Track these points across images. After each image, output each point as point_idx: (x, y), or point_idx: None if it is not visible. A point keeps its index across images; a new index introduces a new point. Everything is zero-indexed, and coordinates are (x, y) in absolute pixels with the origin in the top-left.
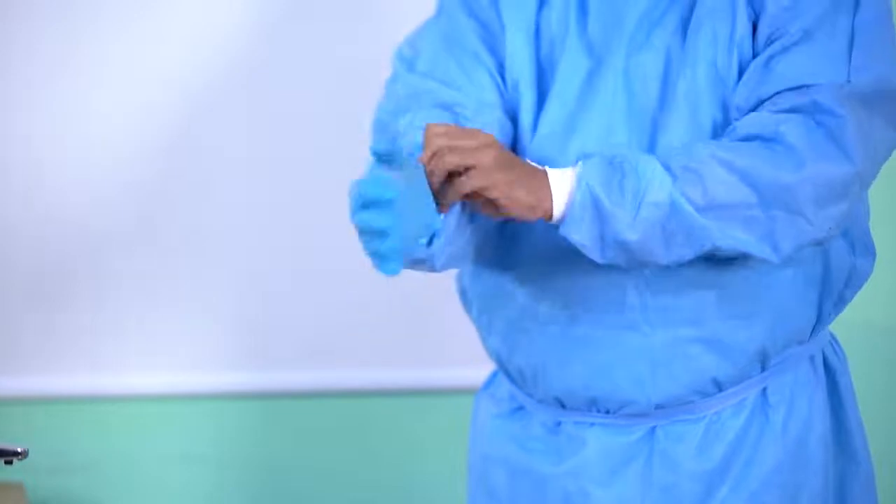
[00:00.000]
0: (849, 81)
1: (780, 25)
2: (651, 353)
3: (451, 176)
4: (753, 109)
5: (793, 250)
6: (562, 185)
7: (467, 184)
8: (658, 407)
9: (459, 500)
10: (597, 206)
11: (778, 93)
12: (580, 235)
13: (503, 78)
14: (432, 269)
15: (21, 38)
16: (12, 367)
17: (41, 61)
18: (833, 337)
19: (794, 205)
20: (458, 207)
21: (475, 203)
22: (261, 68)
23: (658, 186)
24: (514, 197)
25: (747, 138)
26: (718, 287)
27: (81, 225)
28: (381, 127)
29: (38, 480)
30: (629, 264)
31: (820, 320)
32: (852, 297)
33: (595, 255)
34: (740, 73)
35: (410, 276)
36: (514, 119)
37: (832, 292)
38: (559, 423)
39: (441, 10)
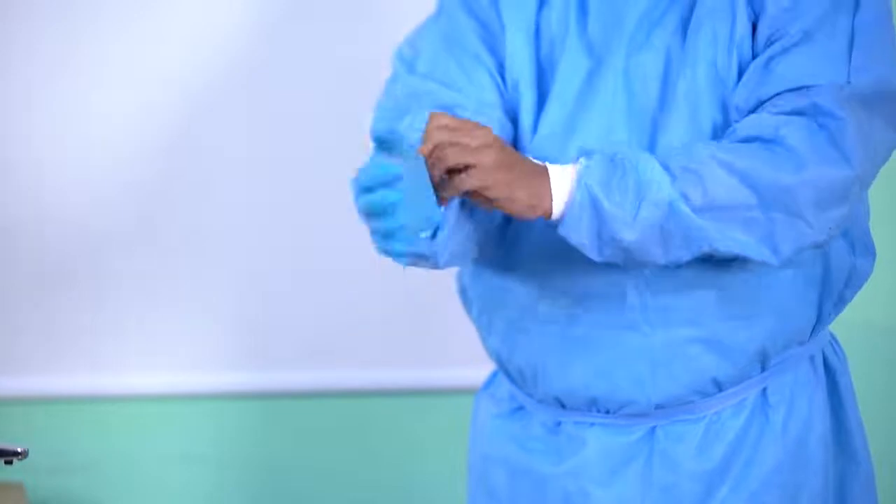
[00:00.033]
0: (849, 82)
1: (780, 26)
2: (651, 353)
3: (451, 171)
4: (753, 110)
5: (792, 253)
6: (562, 183)
7: (467, 182)
8: (658, 407)
9: (459, 500)
10: (595, 206)
11: (778, 94)
12: (578, 235)
13: (503, 78)
14: (435, 265)
15: (21, 38)
16: (12, 367)
17: (41, 61)
18: (833, 337)
19: (794, 207)
20: (456, 202)
21: (474, 199)
22: (261, 68)
23: (657, 187)
24: (513, 197)
25: (748, 139)
26: (718, 287)
27: (81, 225)
28: (382, 125)
29: (38, 480)
30: (627, 263)
31: (820, 320)
32: (852, 298)
33: (592, 254)
34: (740, 74)
35: (411, 276)
36: (514, 119)
37: (832, 292)
38: (559, 423)
39: (441, 10)
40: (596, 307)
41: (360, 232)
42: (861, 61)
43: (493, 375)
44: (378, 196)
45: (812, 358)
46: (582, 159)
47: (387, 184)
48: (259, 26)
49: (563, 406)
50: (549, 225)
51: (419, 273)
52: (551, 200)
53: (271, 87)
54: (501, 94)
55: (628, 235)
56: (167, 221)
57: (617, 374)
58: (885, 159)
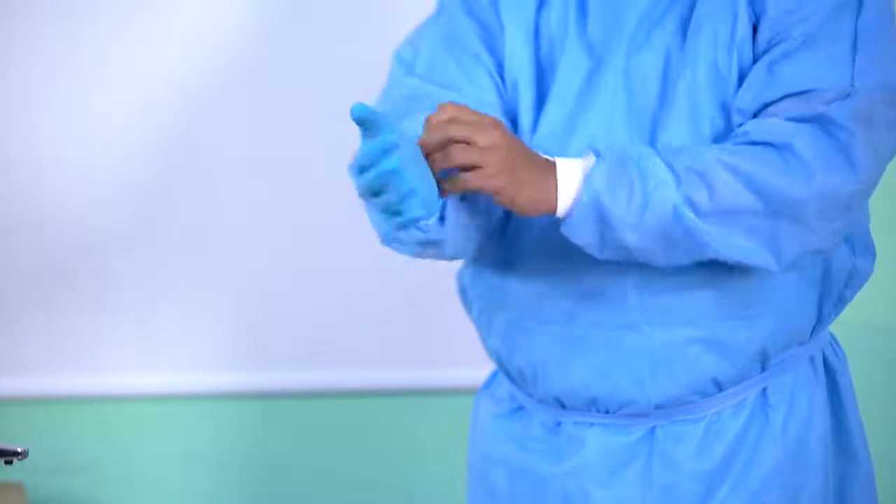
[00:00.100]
0: (852, 85)
1: (783, 29)
2: (651, 353)
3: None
4: (758, 113)
5: (794, 259)
6: (569, 182)
7: (471, 182)
8: (658, 407)
9: (459, 500)
10: (600, 209)
11: (783, 97)
12: (581, 235)
13: (502, 78)
14: (442, 253)
15: (21, 38)
16: (12, 367)
17: (41, 61)
18: (833, 337)
19: (799, 216)
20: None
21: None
22: (261, 68)
23: (663, 193)
24: (518, 198)
25: (757, 143)
26: (718, 287)
27: (81, 225)
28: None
29: (38, 480)
30: (628, 262)
31: (820, 321)
32: (852, 298)
33: (593, 252)
34: (740, 74)
35: (411, 276)
36: (513, 119)
37: (832, 293)
38: (559, 423)
39: (441, 10)
40: (596, 307)
41: (360, 232)
42: (865, 64)
43: (493, 375)
44: (376, 169)
45: (812, 358)
46: (591, 156)
47: (383, 153)
48: (259, 26)
49: (563, 406)
50: (553, 221)
51: (419, 273)
52: (557, 199)
53: (271, 87)
54: (501, 95)
55: (631, 239)
56: (167, 221)
57: (617, 374)
58: (889, 161)
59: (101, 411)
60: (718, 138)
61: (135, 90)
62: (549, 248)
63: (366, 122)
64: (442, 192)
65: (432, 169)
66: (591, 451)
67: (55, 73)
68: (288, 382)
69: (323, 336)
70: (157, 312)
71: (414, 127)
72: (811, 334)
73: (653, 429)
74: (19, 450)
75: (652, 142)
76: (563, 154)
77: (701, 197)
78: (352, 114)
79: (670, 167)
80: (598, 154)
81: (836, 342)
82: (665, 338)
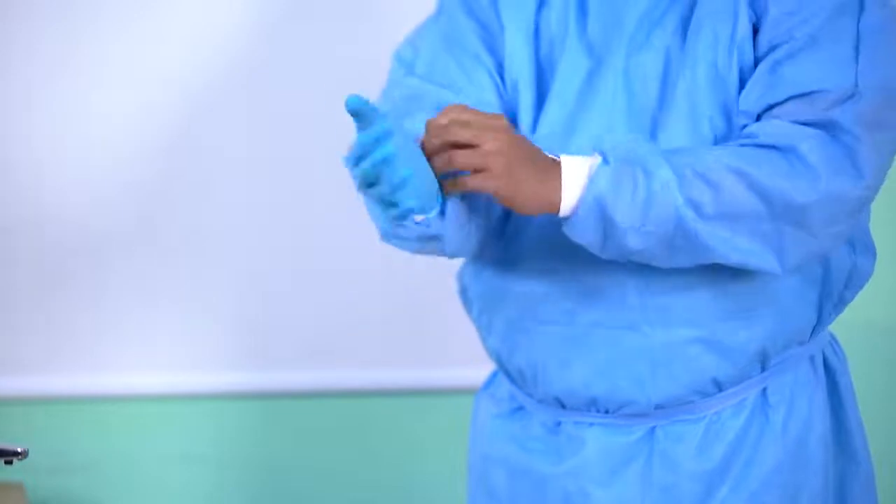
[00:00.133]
0: (856, 86)
1: (785, 30)
2: (651, 353)
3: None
4: (762, 115)
5: (798, 263)
6: (573, 183)
7: (474, 184)
8: (658, 407)
9: (459, 500)
10: (603, 211)
11: (787, 99)
12: (583, 236)
13: (502, 78)
14: (442, 248)
15: (21, 38)
16: (12, 367)
17: (41, 61)
18: (833, 337)
19: (804, 220)
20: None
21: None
22: (261, 68)
23: (667, 196)
24: (521, 200)
25: (762, 146)
26: (718, 288)
27: (81, 225)
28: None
29: (38, 480)
30: (629, 262)
31: (820, 321)
32: (853, 298)
33: (595, 251)
34: (740, 75)
35: (411, 277)
36: (513, 119)
37: (832, 293)
38: (559, 423)
39: (441, 10)
40: (596, 307)
41: (360, 232)
42: (867, 66)
43: (493, 375)
44: (370, 158)
45: (812, 358)
46: (596, 155)
47: (377, 141)
48: (259, 26)
49: (562, 406)
50: (553, 221)
51: (419, 273)
52: (560, 199)
53: (271, 87)
54: (500, 95)
55: (634, 241)
56: (167, 221)
57: (617, 374)
58: (891, 164)
59: (101, 411)
60: (718, 139)
61: (135, 90)
62: (549, 248)
63: (360, 113)
64: (444, 192)
65: (434, 170)
66: (591, 451)
67: (55, 73)
68: (288, 382)
69: (323, 336)
70: (157, 312)
71: (415, 127)
72: (811, 334)
73: (653, 429)
74: (19, 450)
75: (652, 141)
76: (563, 153)
77: (705, 200)
78: (346, 105)
79: (675, 169)
80: (603, 154)
81: (836, 342)
82: (665, 338)
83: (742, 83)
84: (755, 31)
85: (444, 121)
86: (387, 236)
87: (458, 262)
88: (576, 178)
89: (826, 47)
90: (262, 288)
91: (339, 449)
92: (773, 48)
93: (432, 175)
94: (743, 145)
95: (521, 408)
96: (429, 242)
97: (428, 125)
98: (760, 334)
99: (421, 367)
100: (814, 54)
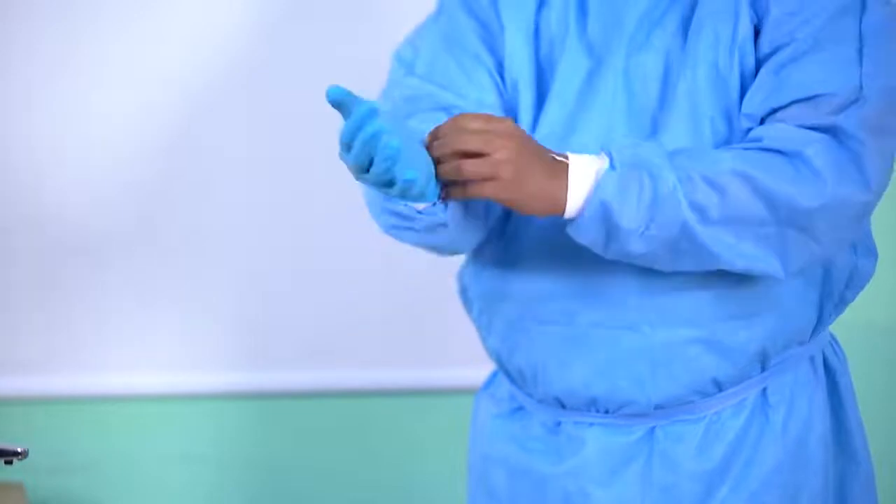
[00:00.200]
0: (860, 89)
1: (787, 31)
2: (651, 353)
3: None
4: (765, 118)
5: (800, 268)
6: (580, 184)
7: (485, 192)
8: (658, 407)
9: (459, 500)
10: (609, 216)
11: (791, 102)
12: (587, 238)
13: (502, 78)
14: (442, 243)
15: (21, 38)
16: (12, 367)
17: (41, 61)
18: (833, 337)
19: (809, 225)
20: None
21: None
22: (261, 68)
23: (673, 199)
24: (528, 205)
25: (767, 150)
26: (718, 287)
27: (81, 225)
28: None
29: (38, 480)
30: (630, 262)
31: (821, 321)
32: (854, 298)
33: (598, 251)
34: (741, 76)
35: (411, 276)
36: (513, 119)
37: (833, 293)
38: (559, 423)
39: (441, 10)
40: (596, 307)
41: (360, 232)
42: (871, 68)
43: (493, 375)
44: (359, 137)
45: (812, 358)
46: (603, 156)
47: (363, 120)
48: (259, 26)
49: (562, 406)
50: (555, 222)
51: (419, 273)
52: (565, 202)
53: (271, 87)
54: (501, 94)
55: (637, 247)
56: (167, 221)
57: (617, 374)
58: (895, 167)
59: (101, 411)
60: (719, 140)
61: (135, 90)
62: (550, 248)
63: (343, 103)
64: (445, 195)
65: (440, 174)
66: (591, 451)
67: (55, 73)
68: (288, 382)
69: (323, 336)
70: (157, 312)
71: (417, 127)
72: (811, 334)
73: (653, 429)
74: (19, 450)
75: None
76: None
77: (710, 204)
78: (328, 97)
79: (680, 172)
80: (609, 156)
81: (836, 342)
82: (665, 338)
83: (743, 84)
84: (756, 31)
85: (452, 128)
86: (387, 229)
87: (458, 262)
88: (582, 180)
89: (829, 49)
90: (262, 288)
91: (339, 449)
92: (775, 50)
93: (430, 161)
94: (748, 149)
95: (521, 408)
96: (430, 233)
97: (435, 132)
98: (761, 334)
99: (421, 367)
100: (817, 56)
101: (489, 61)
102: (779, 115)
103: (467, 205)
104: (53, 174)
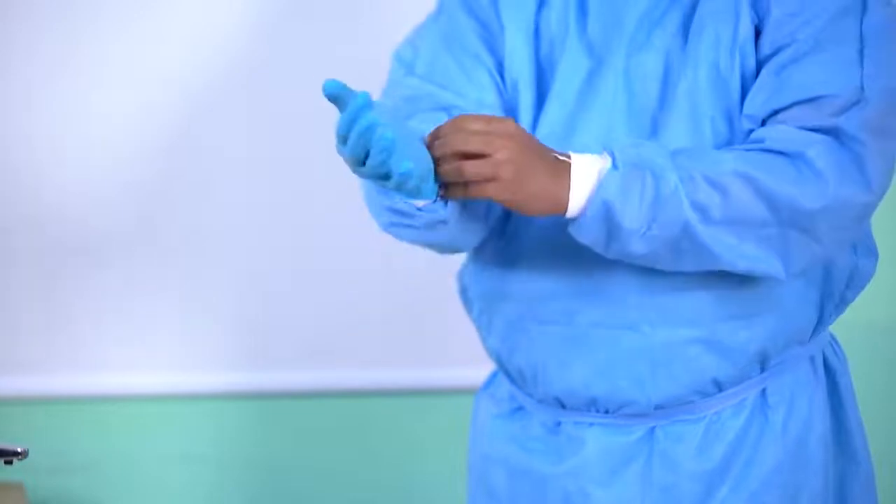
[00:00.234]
0: (862, 90)
1: (788, 32)
2: (651, 353)
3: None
4: (767, 119)
5: (801, 268)
6: (582, 184)
7: (486, 193)
8: (658, 407)
9: (459, 500)
10: (611, 216)
11: (793, 104)
12: (588, 238)
13: (502, 77)
14: (442, 241)
15: (21, 38)
16: (12, 367)
17: (41, 61)
18: (833, 337)
19: (810, 226)
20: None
21: None
22: (261, 68)
23: (675, 200)
24: (530, 206)
25: (771, 151)
26: (718, 288)
27: (81, 225)
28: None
29: (38, 480)
30: (631, 262)
31: (821, 321)
32: (854, 298)
33: (599, 251)
34: (742, 76)
35: (411, 276)
36: (514, 119)
37: (834, 293)
38: (559, 423)
39: (441, 10)
40: (596, 307)
41: (360, 232)
42: (873, 69)
43: (493, 375)
44: (356, 129)
45: (812, 358)
46: (606, 156)
47: (358, 112)
48: (259, 26)
49: (562, 406)
50: (555, 221)
51: (419, 273)
52: (567, 202)
53: (271, 87)
54: (500, 94)
55: (639, 247)
56: (167, 221)
57: (617, 374)
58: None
59: (101, 411)
60: (719, 140)
61: (135, 90)
62: (550, 248)
63: (339, 97)
64: (445, 194)
65: (440, 174)
66: (591, 451)
67: (55, 73)
68: (288, 382)
69: (323, 336)
70: (157, 312)
71: (418, 127)
72: (812, 334)
73: (653, 429)
74: (19, 450)
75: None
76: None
77: (712, 205)
78: (324, 91)
79: (683, 172)
80: (612, 155)
81: (836, 342)
82: (665, 338)
83: (744, 85)
84: (757, 32)
85: (452, 128)
86: (387, 226)
87: (458, 262)
88: (585, 179)
89: (830, 50)
90: (262, 288)
91: (339, 449)
92: (776, 50)
93: (429, 158)
94: (750, 150)
95: (521, 408)
96: (435, 229)
97: (435, 132)
98: (761, 335)
99: (421, 367)
100: (818, 57)
101: (489, 61)
102: (780, 116)
103: (467, 203)
104: (53, 174)
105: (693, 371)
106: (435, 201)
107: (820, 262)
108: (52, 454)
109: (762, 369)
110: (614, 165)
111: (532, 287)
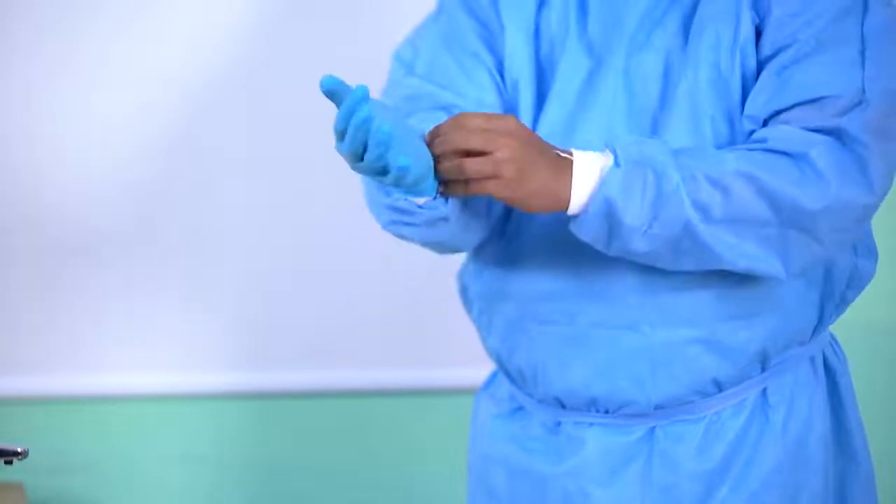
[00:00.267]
0: (863, 92)
1: (789, 33)
2: (651, 353)
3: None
4: (768, 120)
5: (801, 268)
6: (584, 182)
7: (487, 190)
8: (658, 407)
9: (459, 500)
10: (612, 214)
11: (795, 105)
12: (588, 235)
13: (502, 77)
14: (442, 239)
15: (21, 38)
16: (12, 367)
17: (41, 61)
18: (833, 337)
19: (811, 226)
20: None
21: None
22: (261, 68)
23: (676, 198)
24: (531, 203)
25: (773, 151)
26: (719, 287)
27: (81, 225)
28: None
29: (38, 480)
30: (631, 260)
31: (821, 321)
32: (854, 298)
33: (599, 249)
34: (743, 77)
35: (411, 276)
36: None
37: (834, 293)
38: (559, 423)
39: (441, 10)
40: (596, 307)
41: (360, 232)
42: (874, 69)
43: (493, 375)
44: (353, 122)
45: (812, 359)
46: (608, 153)
47: (355, 105)
48: (259, 26)
49: (562, 406)
50: (555, 221)
51: (419, 273)
52: (569, 199)
53: (271, 87)
54: (500, 94)
55: (640, 245)
56: (167, 221)
57: (617, 374)
58: None
59: (101, 411)
60: (720, 140)
61: (135, 90)
62: (550, 248)
63: (336, 93)
64: (445, 191)
65: (440, 172)
66: (591, 451)
67: (55, 73)
68: (288, 382)
69: (323, 336)
70: (157, 312)
71: (418, 127)
72: (812, 335)
73: (653, 429)
74: (19, 450)
75: None
76: None
77: (713, 203)
78: (321, 86)
79: (684, 170)
80: (614, 153)
81: (837, 342)
82: (665, 338)
83: (745, 85)
84: (758, 32)
85: (452, 126)
86: (388, 224)
87: (458, 262)
88: (587, 176)
89: (831, 50)
90: (262, 288)
91: (339, 449)
92: (777, 51)
93: (429, 155)
94: (752, 150)
95: (521, 408)
96: (436, 226)
97: (436, 130)
98: (761, 335)
99: (421, 367)
100: (819, 58)
101: (489, 60)
102: (782, 116)
103: (468, 200)
104: (53, 174)
105: (693, 371)
106: (435, 198)
107: (820, 262)
108: (52, 454)
109: (762, 369)
110: (616, 163)
111: (532, 287)
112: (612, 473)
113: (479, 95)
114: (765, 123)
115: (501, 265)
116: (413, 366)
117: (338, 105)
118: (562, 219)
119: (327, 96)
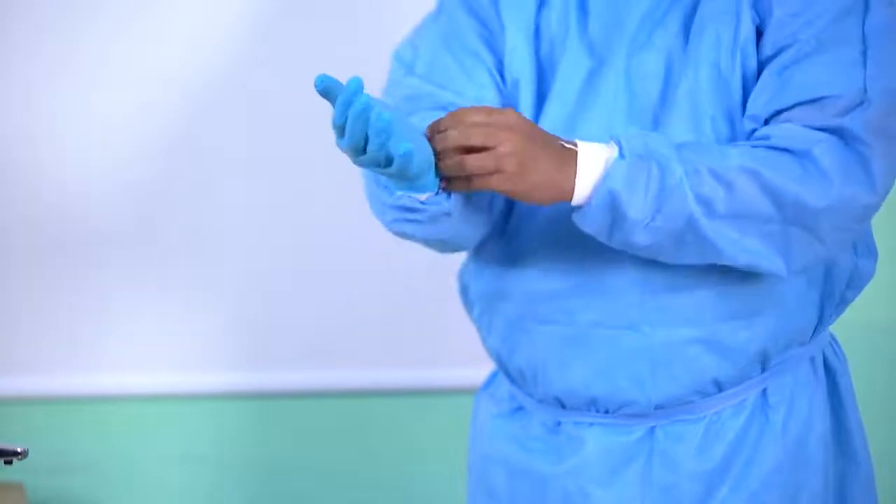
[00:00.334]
0: (865, 91)
1: (790, 33)
2: (651, 353)
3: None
4: (769, 119)
5: (802, 266)
6: (590, 172)
7: (489, 185)
8: (658, 407)
9: (459, 500)
10: (616, 206)
11: (796, 104)
12: (591, 227)
13: (503, 77)
14: (445, 237)
15: (21, 38)
16: (12, 367)
17: (41, 61)
18: (833, 338)
19: (813, 224)
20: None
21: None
22: (261, 68)
23: (680, 192)
24: (534, 195)
25: (776, 148)
26: (719, 287)
27: (81, 225)
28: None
29: (38, 480)
30: (633, 256)
31: (821, 321)
32: (854, 298)
33: (601, 240)
34: (744, 77)
35: (411, 276)
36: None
37: (834, 293)
38: (559, 423)
39: (441, 9)
40: (596, 307)
41: (360, 232)
42: (875, 69)
43: (493, 375)
44: (351, 113)
45: (812, 359)
46: (612, 145)
47: (352, 96)
48: (259, 26)
49: (562, 406)
50: (556, 219)
51: (419, 273)
52: (573, 190)
53: (271, 87)
54: (500, 93)
55: (641, 239)
56: (167, 221)
57: (617, 373)
58: None
59: (101, 411)
60: (721, 140)
61: (135, 90)
62: (550, 248)
63: (331, 90)
64: (447, 187)
65: (442, 169)
66: (591, 451)
67: (55, 73)
68: (288, 382)
69: (323, 336)
70: (157, 312)
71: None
72: (812, 335)
73: (653, 429)
74: (19, 450)
75: None
76: None
77: (717, 198)
78: (316, 85)
79: (688, 165)
80: (619, 145)
81: (837, 343)
82: (665, 338)
83: (745, 85)
84: (759, 32)
85: (453, 122)
86: (391, 223)
87: (459, 262)
88: (592, 167)
89: (833, 50)
90: (262, 288)
91: (339, 449)
92: (778, 51)
93: (430, 149)
94: (756, 146)
95: (521, 408)
96: (439, 222)
97: (435, 125)
98: (761, 335)
99: (421, 367)
100: (821, 58)
101: (489, 60)
102: (783, 116)
103: (470, 195)
104: (53, 174)
105: (693, 371)
106: (437, 193)
107: (821, 261)
108: (52, 454)
109: (762, 369)
110: (621, 154)
111: (532, 287)
112: (612, 473)
113: (479, 95)
114: (766, 123)
115: (502, 264)
116: (413, 366)
117: (333, 103)
118: (562, 218)
119: (322, 95)
